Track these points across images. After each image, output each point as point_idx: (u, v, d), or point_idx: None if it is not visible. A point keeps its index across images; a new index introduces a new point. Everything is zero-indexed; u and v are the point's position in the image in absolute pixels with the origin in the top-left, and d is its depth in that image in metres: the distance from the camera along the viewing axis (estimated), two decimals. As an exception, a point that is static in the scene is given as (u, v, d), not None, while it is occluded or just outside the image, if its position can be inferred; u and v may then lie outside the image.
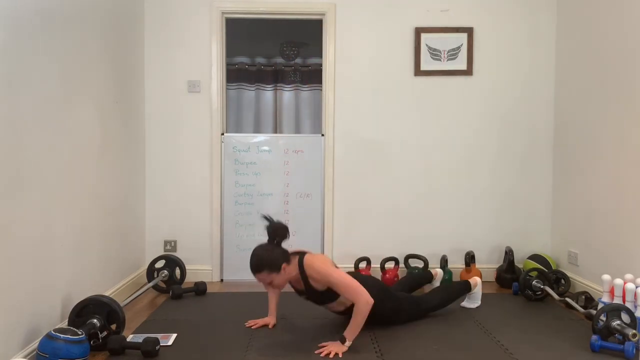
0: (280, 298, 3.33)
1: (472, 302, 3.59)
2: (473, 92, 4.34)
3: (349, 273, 3.25)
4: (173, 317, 3.36)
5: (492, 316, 3.39)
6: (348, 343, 2.78)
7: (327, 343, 2.80)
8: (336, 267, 2.98)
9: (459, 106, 4.34)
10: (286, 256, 2.92)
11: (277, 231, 2.95)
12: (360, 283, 2.90)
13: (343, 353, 2.74)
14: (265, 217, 3.00)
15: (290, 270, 2.93)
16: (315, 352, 2.76)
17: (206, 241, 4.34)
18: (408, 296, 3.38)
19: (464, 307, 3.56)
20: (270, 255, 2.88)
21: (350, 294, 2.82)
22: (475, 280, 3.58)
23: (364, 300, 2.77)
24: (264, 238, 4.31)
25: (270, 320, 3.21)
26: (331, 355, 2.71)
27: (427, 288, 3.82)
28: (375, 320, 3.00)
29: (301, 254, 2.98)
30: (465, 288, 3.53)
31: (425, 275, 3.84)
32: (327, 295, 2.95)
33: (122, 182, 3.79)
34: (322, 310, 3.48)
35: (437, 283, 3.83)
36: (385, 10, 4.32)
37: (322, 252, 4.36)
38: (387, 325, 3.16)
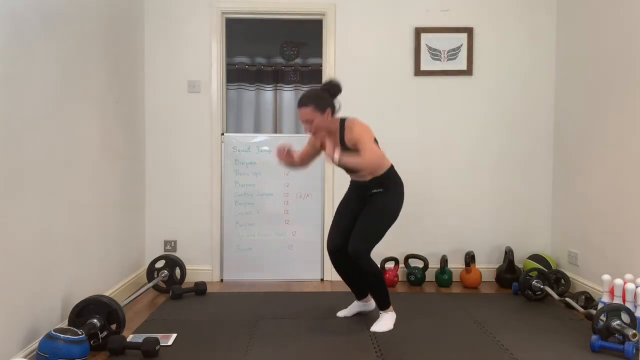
0: (281, 298, 3.32)
1: (379, 323, 3.12)
2: (473, 92, 4.34)
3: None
4: (173, 317, 3.36)
5: (492, 316, 3.39)
6: (337, 158, 2.90)
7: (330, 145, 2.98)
8: (376, 142, 3.07)
9: (459, 106, 4.34)
10: (333, 105, 3.05)
11: (333, 86, 3.06)
12: (392, 167, 3.14)
13: (343, 348, 2.74)
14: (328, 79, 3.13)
15: (332, 119, 3.05)
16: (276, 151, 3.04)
17: (206, 241, 4.35)
18: (384, 230, 3.16)
19: (462, 306, 3.56)
20: (321, 95, 3.02)
21: (368, 155, 2.90)
22: (391, 312, 3.19)
23: (370, 157, 2.89)
24: (264, 237, 4.34)
25: (295, 152, 3.24)
26: (328, 151, 2.94)
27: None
28: (370, 200, 3.10)
29: (344, 118, 3.11)
30: (385, 299, 3.15)
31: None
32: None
33: (122, 182, 3.79)
34: (322, 311, 3.48)
35: None
36: (385, 10, 4.33)
37: (322, 251, 4.36)
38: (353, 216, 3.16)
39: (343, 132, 3.06)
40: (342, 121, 3.10)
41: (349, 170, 3.16)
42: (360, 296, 3.38)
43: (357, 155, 2.93)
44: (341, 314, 3.37)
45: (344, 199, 3.31)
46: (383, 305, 3.16)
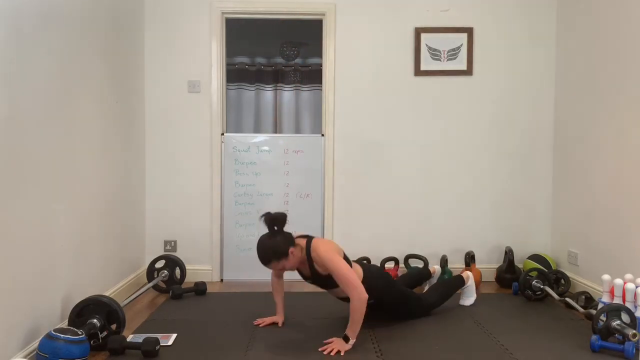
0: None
1: (468, 297, 3.62)
2: (473, 92, 4.34)
3: (359, 260, 3.26)
4: (173, 317, 3.36)
5: (492, 316, 3.39)
6: (352, 341, 2.78)
7: (332, 340, 2.81)
8: (344, 256, 3.01)
9: (459, 106, 4.34)
10: (291, 240, 2.95)
11: (275, 219, 2.95)
12: (365, 271, 3.00)
13: (345, 352, 2.75)
14: (262, 215, 3.00)
15: (297, 253, 2.95)
16: (319, 349, 2.76)
17: (206, 241, 4.34)
18: (411, 292, 3.39)
19: (462, 306, 3.57)
20: (275, 243, 2.90)
21: (345, 286, 2.82)
22: (467, 274, 3.63)
23: (357, 295, 2.77)
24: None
25: (279, 318, 3.22)
26: (333, 353, 2.72)
27: (425, 286, 3.87)
28: (380, 308, 3.07)
29: (309, 238, 3.01)
30: (459, 281, 3.58)
31: (423, 272, 3.87)
32: (331, 280, 2.94)
33: (122, 182, 3.79)
34: (322, 311, 3.49)
35: (434, 280, 3.86)
36: (385, 10, 4.32)
37: (322, 252, 4.35)
38: (390, 317, 3.19)
39: (312, 262, 2.95)
40: (308, 248, 2.96)
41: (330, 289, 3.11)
42: None
43: (350, 317, 2.79)
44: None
45: None
46: (462, 284, 3.58)
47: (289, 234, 2.98)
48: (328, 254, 2.88)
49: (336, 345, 2.77)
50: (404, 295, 3.28)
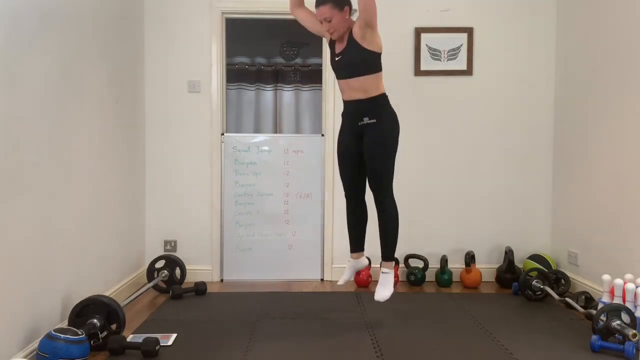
0: (281, 298, 3.32)
1: (384, 287, 3.14)
2: (473, 92, 4.34)
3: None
4: (173, 317, 3.36)
5: (492, 316, 3.39)
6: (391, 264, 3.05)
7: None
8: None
9: (459, 106, 4.34)
10: (351, 4, 3.02)
11: None
12: (385, 105, 3.10)
13: (343, 347, 2.74)
14: None
15: (349, 19, 3.03)
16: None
17: (206, 241, 4.34)
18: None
19: (462, 306, 3.56)
20: None
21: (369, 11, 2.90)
22: (392, 265, 3.24)
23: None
24: (264, 237, 4.34)
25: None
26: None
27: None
28: (368, 135, 3.07)
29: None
30: (393, 250, 3.23)
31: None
32: (363, 60, 2.98)
33: (122, 182, 3.79)
34: (323, 311, 3.48)
35: None
36: (385, 10, 4.29)
37: (322, 251, 4.36)
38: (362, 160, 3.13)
39: (351, 30, 3.01)
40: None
41: (342, 89, 3.14)
42: (358, 249, 3.37)
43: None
44: (342, 281, 3.35)
45: (341, 140, 3.25)
46: (391, 256, 3.21)
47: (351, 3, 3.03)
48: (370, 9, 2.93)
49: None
50: (389, 153, 3.12)
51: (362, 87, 3.04)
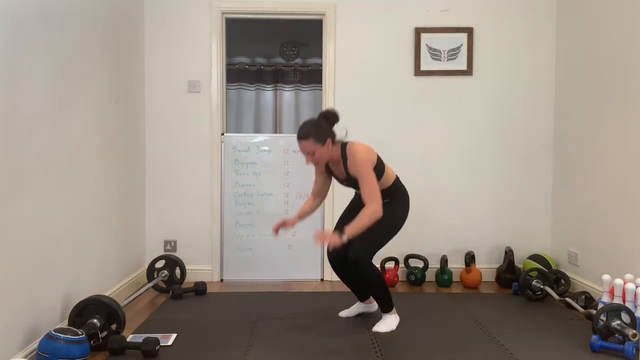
0: (281, 298, 3.32)
1: (382, 324, 3.12)
2: (473, 92, 4.34)
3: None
4: (173, 317, 3.36)
5: (492, 316, 3.39)
6: (345, 237, 2.80)
7: (325, 233, 2.83)
8: (378, 160, 3.04)
9: (459, 106, 4.34)
10: (333, 134, 2.99)
11: (331, 114, 3.01)
12: (397, 180, 3.15)
13: (343, 348, 2.74)
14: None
15: (333, 149, 3.00)
16: (314, 236, 2.85)
17: (206, 241, 4.34)
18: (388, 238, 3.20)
19: (462, 306, 3.56)
20: (319, 125, 2.96)
21: (367, 197, 2.88)
22: (395, 315, 3.18)
23: (373, 208, 2.85)
24: (264, 237, 4.34)
25: (290, 219, 3.18)
26: (325, 240, 2.79)
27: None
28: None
29: (345, 142, 3.05)
30: (389, 302, 3.16)
31: None
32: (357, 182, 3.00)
33: (122, 182, 3.79)
34: (323, 311, 3.48)
35: None
36: (385, 10, 4.33)
37: (322, 251, 4.35)
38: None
39: (346, 161, 3.01)
40: (344, 148, 3.03)
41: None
42: (362, 298, 3.38)
43: (358, 217, 2.85)
44: (343, 314, 3.37)
45: (348, 205, 3.33)
46: (386, 308, 3.15)
47: (334, 131, 3.02)
48: (363, 163, 2.91)
49: (330, 237, 2.81)
50: (394, 225, 3.17)
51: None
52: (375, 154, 3.06)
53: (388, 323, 3.12)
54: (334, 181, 4.35)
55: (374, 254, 3.08)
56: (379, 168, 3.04)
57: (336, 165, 3.09)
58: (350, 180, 3.09)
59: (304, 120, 3.02)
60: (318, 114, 3.07)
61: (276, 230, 3.15)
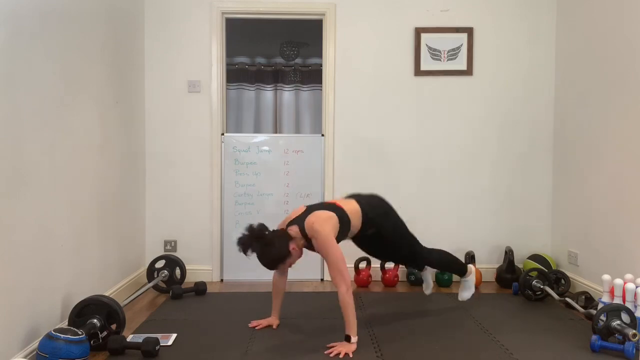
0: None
1: (466, 290, 3.54)
2: (473, 92, 4.34)
3: (354, 196, 3.22)
4: (173, 317, 3.36)
5: (492, 316, 3.39)
6: (354, 339, 2.78)
7: (335, 343, 2.80)
8: (336, 209, 2.97)
9: (459, 106, 4.34)
10: (286, 236, 2.91)
11: (259, 231, 2.89)
12: (363, 205, 3.09)
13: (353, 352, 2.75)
14: (242, 237, 2.90)
15: (298, 244, 2.94)
16: (325, 352, 2.75)
17: (206, 241, 4.34)
18: (410, 233, 3.35)
19: (462, 306, 3.57)
20: (275, 250, 2.86)
21: (334, 277, 2.81)
22: (471, 267, 3.57)
23: (343, 288, 2.76)
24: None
25: (274, 320, 3.21)
26: (342, 355, 2.71)
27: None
28: (379, 242, 3.11)
29: (301, 221, 2.93)
30: (462, 266, 3.50)
31: (458, 263, 3.56)
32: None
33: (122, 182, 3.79)
34: (322, 311, 3.49)
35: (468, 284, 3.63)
36: (385, 10, 4.33)
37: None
38: (386, 253, 3.24)
39: (310, 242, 2.94)
40: (303, 231, 2.92)
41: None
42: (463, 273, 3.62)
43: (344, 315, 2.79)
44: (427, 292, 3.68)
45: (361, 245, 3.40)
46: (463, 272, 3.50)
47: (282, 232, 2.94)
48: (325, 243, 2.83)
49: (342, 347, 2.75)
50: (402, 227, 3.27)
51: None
52: (335, 217, 2.92)
53: (470, 285, 3.54)
54: (333, 175, 4.35)
55: (419, 243, 3.34)
56: (343, 229, 2.97)
57: (307, 246, 3.01)
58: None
59: (259, 253, 2.86)
60: (250, 240, 2.86)
61: (256, 327, 3.17)
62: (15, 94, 2.45)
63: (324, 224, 2.87)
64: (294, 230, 2.95)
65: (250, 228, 2.89)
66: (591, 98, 3.78)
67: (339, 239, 2.95)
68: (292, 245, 2.91)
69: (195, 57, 4.30)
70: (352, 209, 3.07)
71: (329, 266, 2.85)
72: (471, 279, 3.57)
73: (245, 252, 2.87)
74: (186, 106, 4.31)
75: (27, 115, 2.55)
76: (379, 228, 3.15)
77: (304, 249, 3.05)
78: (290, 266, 3.03)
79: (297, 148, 4.39)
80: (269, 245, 2.86)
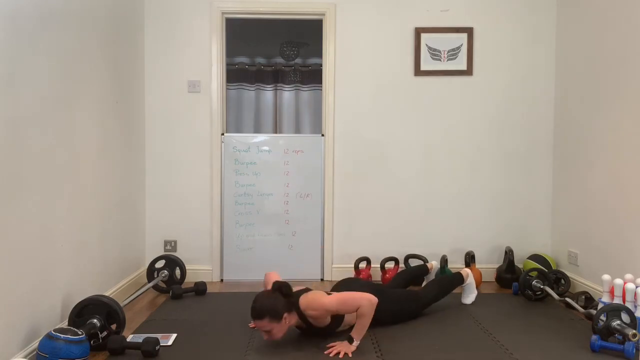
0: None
1: (469, 294, 3.65)
2: (473, 92, 4.34)
3: (344, 280, 3.28)
4: (173, 317, 3.36)
5: (492, 316, 3.39)
6: (356, 343, 2.78)
7: (336, 343, 2.80)
8: (328, 293, 2.90)
9: (459, 106, 4.34)
10: (289, 306, 2.81)
11: (283, 287, 2.84)
12: (357, 289, 2.99)
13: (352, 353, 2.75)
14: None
15: (291, 318, 2.82)
16: (325, 352, 2.76)
17: (206, 241, 4.35)
18: (406, 293, 3.39)
19: (462, 306, 3.57)
20: (274, 303, 2.75)
21: (352, 306, 2.78)
22: (466, 271, 3.65)
23: (366, 301, 2.76)
24: (264, 237, 4.34)
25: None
26: (341, 355, 2.71)
27: (423, 282, 3.92)
28: (377, 323, 3.00)
29: (296, 300, 2.86)
30: (458, 279, 3.60)
31: (421, 269, 3.89)
32: (332, 325, 2.94)
33: (122, 182, 3.79)
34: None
35: (432, 276, 3.91)
36: (385, 10, 4.33)
37: (322, 251, 4.36)
38: (389, 325, 3.17)
39: (308, 320, 2.86)
40: (298, 309, 2.84)
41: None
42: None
43: (358, 321, 2.78)
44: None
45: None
46: (461, 282, 3.61)
47: (289, 301, 2.82)
48: (320, 304, 2.79)
49: (341, 347, 2.76)
50: (399, 303, 3.26)
51: (345, 325, 2.98)
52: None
53: (471, 288, 3.65)
54: (333, 175, 4.35)
55: (416, 298, 3.35)
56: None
57: (299, 325, 2.93)
58: (315, 331, 2.94)
59: (258, 296, 2.79)
60: (272, 288, 2.83)
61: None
62: (15, 94, 2.45)
63: (314, 295, 2.86)
64: (292, 312, 2.86)
65: (280, 283, 2.85)
66: (591, 97, 3.78)
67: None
68: (286, 315, 2.77)
69: (195, 57, 4.29)
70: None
71: (340, 309, 2.82)
72: (471, 281, 3.64)
73: (274, 286, 2.86)
74: (186, 106, 4.31)
75: (27, 115, 2.55)
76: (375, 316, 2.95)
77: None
78: (270, 334, 2.77)
79: (297, 148, 4.39)
80: (273, 296, 2.79)
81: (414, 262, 4.25)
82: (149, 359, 2.66)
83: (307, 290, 2.96)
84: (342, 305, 2.81)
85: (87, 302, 2.79)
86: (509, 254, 4.11)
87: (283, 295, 2.80)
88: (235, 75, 6.00)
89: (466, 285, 3.63)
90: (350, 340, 2.78)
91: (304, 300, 2.85)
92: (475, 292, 3.67)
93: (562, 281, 3.89)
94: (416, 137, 4.34)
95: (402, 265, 4.25)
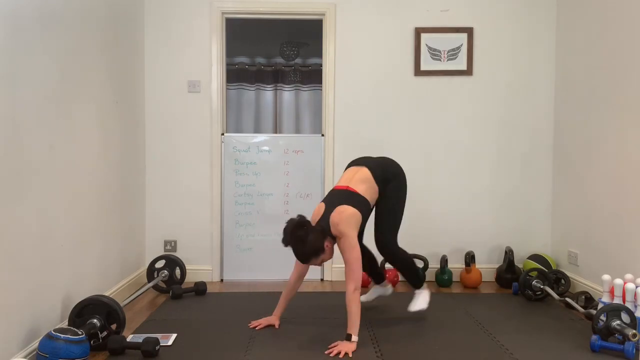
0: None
1: (416, 302, 3.36)
2: (473, 92, 4.34)
3: (363, 161, 3.26)
4: (173, 317, 3.36)
5: (492, 316, 3.39)
6: (355, 338, 2.79)
7: (336, 343, 2.81)
8: (362, 211, 3.00)
9: (459, 106, 4.34)
10: (323, 232, 2.92)
11: (301, 224, 2.91)
12: (376, 166, 3.18)
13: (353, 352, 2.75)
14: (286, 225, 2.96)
15: (330, 243, 2.97)
16: (325, 352, 2.76)
17: (206, 241, 4.35)
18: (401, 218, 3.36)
19: (462, 306, 3.57)
20: (311, 243, 2.86)
21: (347, 274, 2.88)
22: (426, 288, 3.45)
23: (351, 287, 2.83)
24: (264, 237, 4.34)
25: (274, 320, 3.21)
26: (341, 355, 2.71)
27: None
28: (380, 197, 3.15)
29: (325, 221, 2.96)
30: (419, 281, 3.40)
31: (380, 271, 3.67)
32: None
33: (122, 182, 3.79)
34: (323, 311, 3.49)
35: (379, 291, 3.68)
36: (385, 10, 4.33)
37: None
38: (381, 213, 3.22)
39: (335, 239, 2.99)
40: (328, 230, 2.96)
41: None
42: (378, 281, 3.59)
43: (349, 317, 2.81)
44: (363, 298, 3.41)
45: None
46: (417, 284, 3.40)
47: (319, 227, 2.94)
48: (348, 245, 2.88)
49: (342, 347, 2.76)
50: (401, 200, 3.32)
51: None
52: (357, 214, 2.98)
53: (423, 299, 3.37)
54: (333, 175, 4.35)
55: (397, 233, 3.29)
56: (365, 215, 3.07)
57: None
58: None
59: (294, 245, 2.89)
60: (296, 227, 2.89)
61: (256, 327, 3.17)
62: (15, 94, 2.45)
63: (349, 225, 2.94)
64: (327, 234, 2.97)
65: (291, 220, 2.94)
66: (591, 97, 3.78)
67: (362, 225, 3.09)
68: (326, 242, 2.94)
69: (195, 57, 4.30)
70: (367, 187, 3.11)
71: (346, 264, 2.90)
72: (424, 294, 3.39)
73: (284, 244, 2.93)
74: (186, 106, 4.31)
75: (27, 115, 2.55)
76: (388, 193, 3.17)
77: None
78: (321, 263, 2.99)
79: (297, 148, 4.40)
80: (304, 238, 2.88)
81: (414, 262, 4.25)
82: (149, 359, 2.66)
83: (338, 198, 3.03)
84: (347, 265, 2.87)
85: (87, 302, 2.79)
86: (509, 254, 4.11)
87: (311, 231, 2.88)
88: (235, 75, 6.00)
89: (419, 293, 3.41)
90: (349, 338, 2.78)
91: (334, 219, 2.94)
92: (424, 307, 3.34)
93: (562, 281, 3.89)
94: (416, 137, 4.35)
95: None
